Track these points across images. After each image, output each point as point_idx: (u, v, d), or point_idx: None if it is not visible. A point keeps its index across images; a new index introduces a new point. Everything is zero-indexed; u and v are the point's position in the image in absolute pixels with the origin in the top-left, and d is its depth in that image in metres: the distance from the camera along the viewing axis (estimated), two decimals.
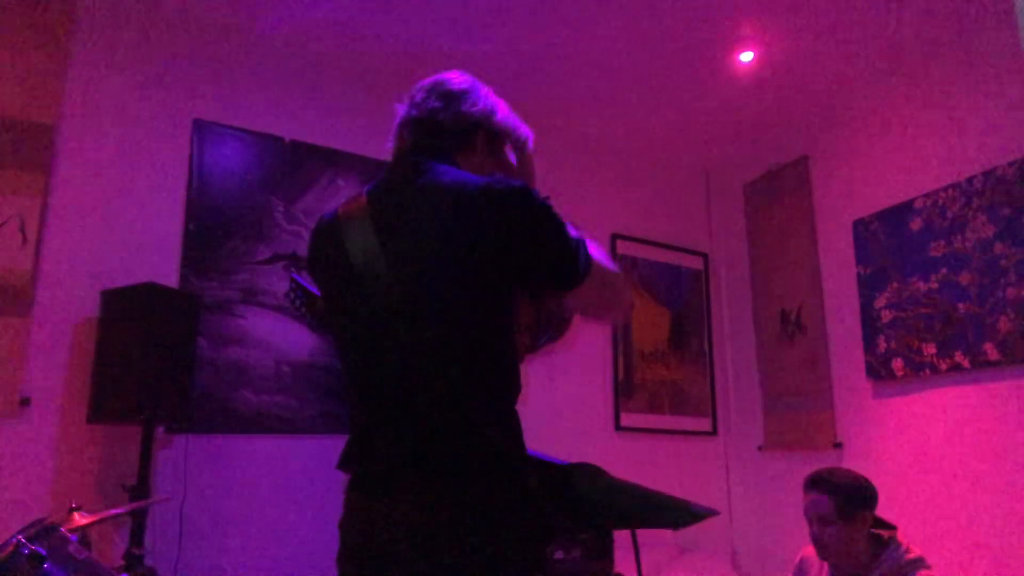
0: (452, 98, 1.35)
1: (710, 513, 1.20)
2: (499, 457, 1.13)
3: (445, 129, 1.33)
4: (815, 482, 2.20)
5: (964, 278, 3.10)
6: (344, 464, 1.25)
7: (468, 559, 1.07)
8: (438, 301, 1.16)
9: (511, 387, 1.21)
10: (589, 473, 1.21)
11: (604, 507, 1.23)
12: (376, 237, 1.22)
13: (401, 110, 1.39)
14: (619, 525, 1.27)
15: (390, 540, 1.12)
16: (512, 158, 1.43)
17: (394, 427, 1.17)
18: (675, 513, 1.26)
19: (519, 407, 1.22)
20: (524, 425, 1.21)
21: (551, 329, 1.35)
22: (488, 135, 1.38)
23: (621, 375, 4.04)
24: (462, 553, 1.07)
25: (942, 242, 3.20)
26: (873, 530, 2.17)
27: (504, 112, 1.42)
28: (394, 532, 1.11)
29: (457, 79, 1.39)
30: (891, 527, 2.18)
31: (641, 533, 1.52)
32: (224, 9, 3.17)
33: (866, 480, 2.22)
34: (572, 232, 1.25)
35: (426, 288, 1.16)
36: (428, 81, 1.40)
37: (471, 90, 1.38)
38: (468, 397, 1.14)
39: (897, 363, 3.33)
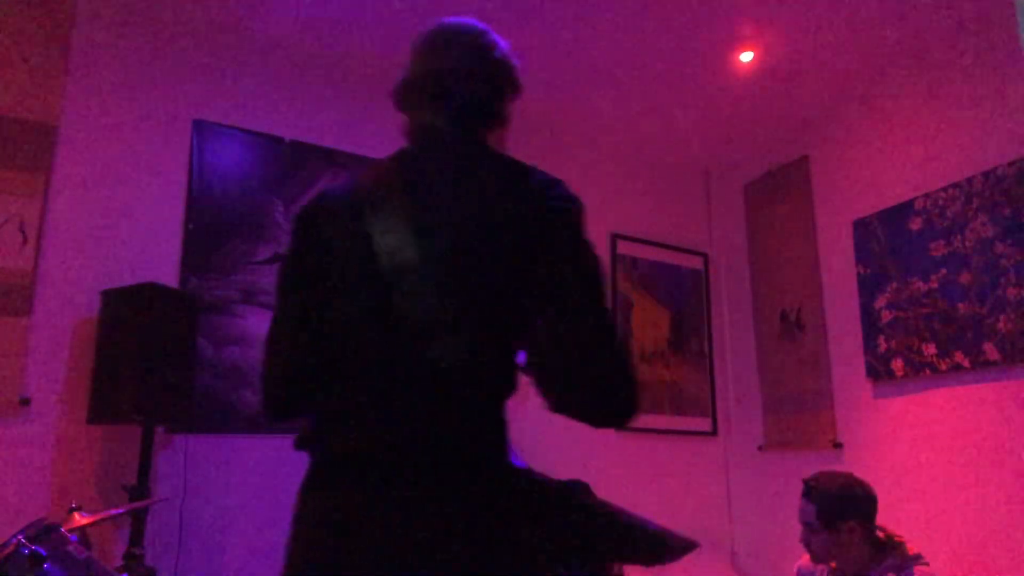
0: (479, 56, 1.25)
1: (689, 547, 1.12)
2: (499, 466, 1.09)
3: (477, 96, 1.24)
4: (805, 488, 2.20)
5: (964, 278, 3.10)
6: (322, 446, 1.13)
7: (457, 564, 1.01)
8: (475, 313, 1.09)
9: (511, 394, 1.16)
10: (570, 497, 1.13)
11: (580, 537, 1.14)
12: (408, 227, 1.12)
13: (422, 65, 1.27)
14: (592, 558, 1.19)
15: (377, 538, 1.03)
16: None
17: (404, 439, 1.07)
18: (651, 548, 1.19)
19: (521, 406, 1.21)
20: (525, 425, 1.20)
21: None
22: (514, 95, 1.31)
23: None
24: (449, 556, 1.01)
25: (942, 242, 3.20)
26: (878, 533, 2.15)
27: (513, 56, 1.31)
28: (384, 532, 1.02)
29: (462, 27, 1.29)
30: (898, 542, 2.15)
31: None
32: (223, 9, 3.17)
33: (861, 487, 2.18)
34: None
35: (464, 297, 1.09)
36: (438, 32, 1.29)
37: (492, 44, 1.27)
38: (483, 415, 1.09)
39: (897, 363, 3.33)
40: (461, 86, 1.24)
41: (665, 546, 1.12)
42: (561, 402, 1.12)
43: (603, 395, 1.12)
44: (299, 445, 1.14)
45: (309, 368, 1.18)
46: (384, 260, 1.10)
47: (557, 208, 1.13)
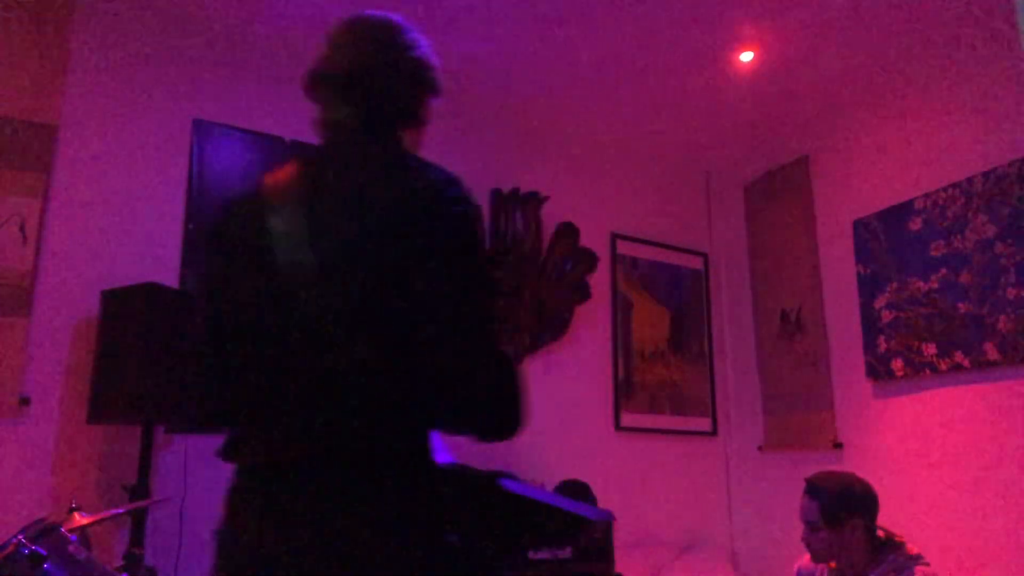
0: (390, 51, 1.24)
1: (607, 519, 1.13)
2: (415, 464, 1.08)
3: (391, 94, 1.23)
4: (807, 486, 2.21)
5: (964, 278, 3.10)
6: (237, 453, 1.13)
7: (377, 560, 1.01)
8: (371, 319, 1.07)
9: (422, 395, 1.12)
10: (489, 489, 1.12)
11: (497, 527, 1.14)
12: (307, 227, 1.11)
13: (329, 61, 1.25)
14: (509, 545, 1.18)
15: (289, 541, 1.03)
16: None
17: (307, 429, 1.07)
18: (569, 527, 1.18)
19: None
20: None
21: (551, 329, 1.30)
22: (432, 96, 1.28)
23: (621, 375, 4.04)
24: (369, 554, 1.01)
25: (942, 242, 3.20)
26: (878, 532, 2.16)
27: (433, 55, 1.28)
28: (297, 534, 1.03)
29: (381, 21, 1.26)
30: (898, 542, 2.15)
31: (640, 531, 1.49)
32: (224, 9, 3.17)
33: (863, 486, 2.19)
34: None
35: (360, 302, 1.07)
36: (356, 24, 1.27)
37: (408, 43, 1.25)
38: (390, 416, 1.06)
39: (897, 363, 3.33)
40: (377, 83, 1.23)
41: (582, 522, 1.13)
42: (442, 417, 1.10)
43: (481, 408, 1.11)
44: (221, 455, 1.14)
45: (224, 380, 1.18)
46: (282, 267, 1.10)
47: (449, 211, 1.12)
